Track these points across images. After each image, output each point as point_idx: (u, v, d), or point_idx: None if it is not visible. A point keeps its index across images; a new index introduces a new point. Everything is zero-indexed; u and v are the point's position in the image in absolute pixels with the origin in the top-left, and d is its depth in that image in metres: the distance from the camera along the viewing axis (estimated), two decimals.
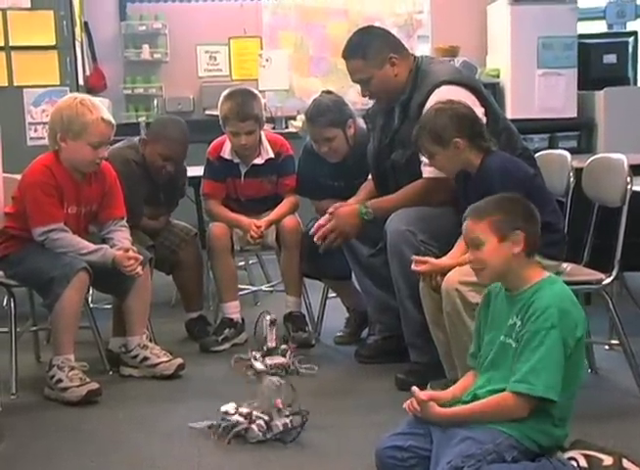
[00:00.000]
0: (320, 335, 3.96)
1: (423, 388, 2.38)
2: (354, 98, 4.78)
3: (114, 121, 3.37)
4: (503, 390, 2.18)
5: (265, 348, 3.43)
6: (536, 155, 3.32)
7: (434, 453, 2.19)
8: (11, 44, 5.38)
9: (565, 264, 2.99)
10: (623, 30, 6.45)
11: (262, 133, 3.95)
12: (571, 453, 2.23)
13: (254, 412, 2.72)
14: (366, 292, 3.72)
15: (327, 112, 3.66)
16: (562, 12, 5.75)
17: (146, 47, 6.53)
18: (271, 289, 4.75)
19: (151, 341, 3.57)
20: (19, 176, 3.39)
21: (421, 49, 6.51)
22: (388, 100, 3.37)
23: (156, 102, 6.50)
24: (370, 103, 3.63)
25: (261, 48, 6.62)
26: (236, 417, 2.72)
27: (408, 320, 3.19)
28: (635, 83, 6.18)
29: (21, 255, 3.31)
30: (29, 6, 5.38)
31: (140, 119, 6.19)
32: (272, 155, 3.93)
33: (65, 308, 3.18)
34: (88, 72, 6.22)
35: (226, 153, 3.93)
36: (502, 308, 2.30)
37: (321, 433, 2.76)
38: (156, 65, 6.63)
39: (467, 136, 2.84)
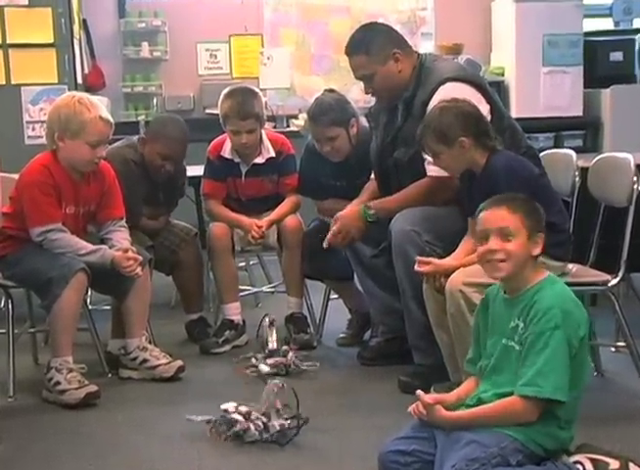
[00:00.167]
0: (322, 337, 3.93)
1: (426, 390, 2.35)
2: (357, 96, 4.73)
3: (112, 120, 3.35)
4: (508, 393, 2.16)
5: (267, 350, 3.42)
6: (541, 154, 3.29)
7: (439, 457, 2.17)
8: (8, 42, 5.38)
9: (570, 265, 2.96)
10: (630, 27, 6.44)
11: (263, 132, 3.93)
12: (576, 457, 2.21)
13: (253, 412, 2.71)
14: (369, 293, 3.68)
15: (329, 111, 3.63)
16: (567, 9, 5.73)
17: (145, 45, 6.51)
18: (272, 290, 4.72)
19: (150, 343, 3.54)
20: (16, 176, 3.37)
21: (424, 47, 6.47)
22: (390, 97, 3.34)
23: (155, 100, 6.49)
24: (373, 101, 3.59)
25: (262, 46, 6.60)
26: (235, 415, 2.71)
27: (412, 322, 3.16)
28: None
29: (18, 255, 3.29)
30: (27, 3, 5.38)
31: (139, 118, 6.15)
32: (273, 154, 3.91)
33: (63, 310, 3.15)
34: (87, 70, 6.21)
35: (226, 152, 3.90)
36: (501, 312, 2.28)
37: (323, 435, 2.74)
38: (155, 62, 6.61)
39: (472, 135, 2.81)
